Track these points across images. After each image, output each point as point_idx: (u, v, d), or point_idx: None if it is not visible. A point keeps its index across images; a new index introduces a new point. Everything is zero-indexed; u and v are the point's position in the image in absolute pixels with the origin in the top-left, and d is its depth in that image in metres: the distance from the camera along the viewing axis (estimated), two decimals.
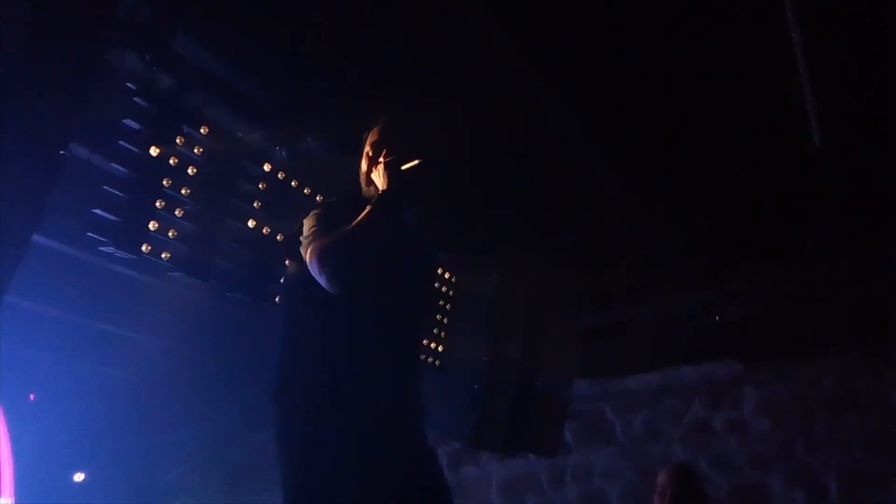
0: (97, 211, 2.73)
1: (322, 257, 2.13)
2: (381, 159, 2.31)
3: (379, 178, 2.29)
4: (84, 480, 5.18)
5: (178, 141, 2.90)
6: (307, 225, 2.28)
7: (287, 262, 2.42)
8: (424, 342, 4.03)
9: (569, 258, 4.70)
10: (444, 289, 4.22)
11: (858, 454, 4.96)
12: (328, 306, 2.19)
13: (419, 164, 2.25)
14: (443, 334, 4.20)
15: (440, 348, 4.21)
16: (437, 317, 4.15)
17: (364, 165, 2.43)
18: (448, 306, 4.22)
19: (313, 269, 2.14)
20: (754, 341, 5.26)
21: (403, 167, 2.27)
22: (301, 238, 2.27)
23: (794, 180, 4.14)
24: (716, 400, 5.58)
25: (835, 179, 4.10)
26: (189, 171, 2.93)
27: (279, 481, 2.15)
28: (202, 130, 2.98)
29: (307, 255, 2.18)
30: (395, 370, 2.30)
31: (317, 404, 2.19)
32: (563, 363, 5.12)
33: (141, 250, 2.78)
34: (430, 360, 4.16)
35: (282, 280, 2.95)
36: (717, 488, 5.24)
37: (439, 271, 4.16)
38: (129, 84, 2.86)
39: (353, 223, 2.18)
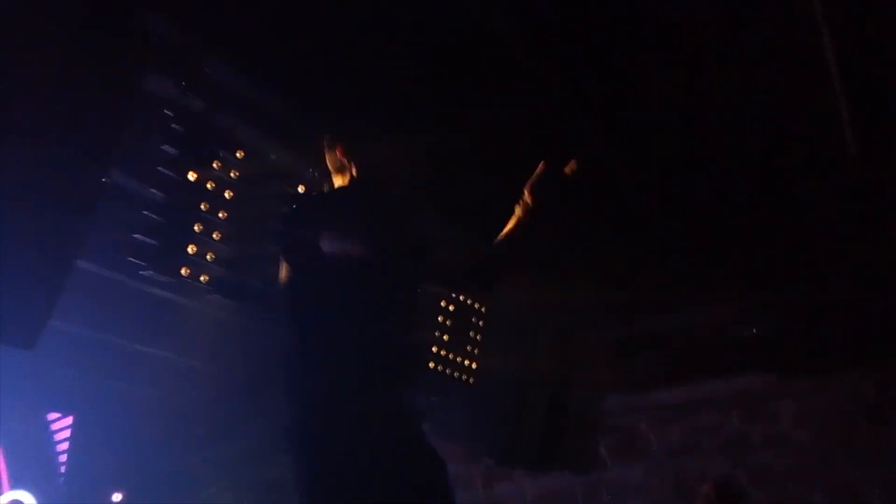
0: (137, 236, 2.77)
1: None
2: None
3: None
4: (122, 500, 5.23)
5: (214, 165, 2.94)
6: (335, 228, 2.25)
7: (286, 268, 2.34)
8: (451, 356, 4.03)
9: (600, 272, 4.67)
10: (476, 306, 4.21)
11: None
12: (338, 312, 2.20)
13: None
14: (476, 351, 4.19)
15: (473, 365, 4.20)
16: (470, 333, 4.15)
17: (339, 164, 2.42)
18: (480, 323, 4.21)
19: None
20: (791, 352, 5.18)
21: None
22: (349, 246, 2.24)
23: (830, 188, 4.08)
24: (753, 412, 5.50)
25: (871, 187, 4.04)
26: (226, 194, 2.96)
27: (295, 493, 2.15)
28: (238, 154, 3.02)
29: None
30: (405, 372, 2.30)
31: (329, 410, 2.18)
32: (597, 377, 5.08)
33: (180, 273, 2.82)
34: (462, 377, 4.16)
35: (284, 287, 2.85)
36: (757, 502, 5.15)
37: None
38: (165, 111, 2.90)
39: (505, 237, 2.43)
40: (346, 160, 2.42)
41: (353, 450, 2.11)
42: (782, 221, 4.40)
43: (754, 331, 5.10)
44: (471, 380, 4.12)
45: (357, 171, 2.33)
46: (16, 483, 4.59)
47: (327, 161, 2.47)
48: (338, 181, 2.42)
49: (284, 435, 2.22)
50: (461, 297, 4.16)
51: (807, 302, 5.01)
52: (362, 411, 2.16)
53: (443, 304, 4.08)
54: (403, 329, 2.34)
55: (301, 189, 3.30)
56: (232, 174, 2.98)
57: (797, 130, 3.72)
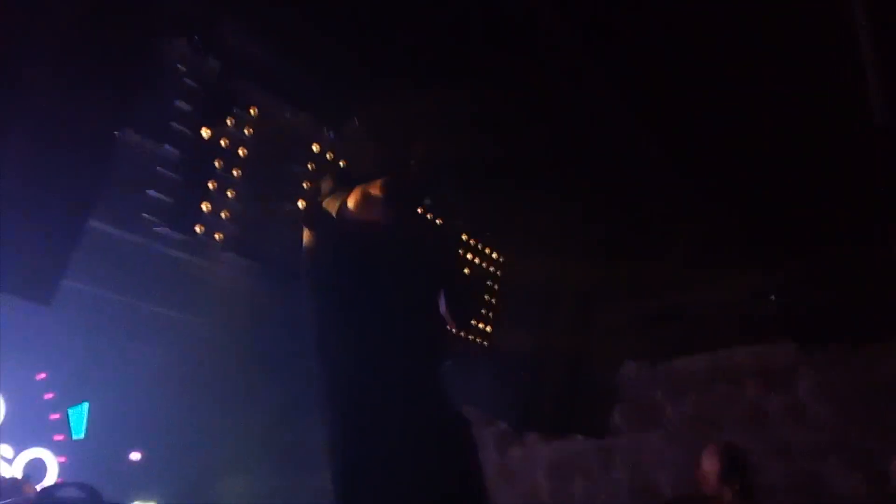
0: (151, 192, 2.77)
1: None
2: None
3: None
4: (140, 460, 5.30)
5: (228, 122, 2.92)
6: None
7: (309, 234, 2.32)
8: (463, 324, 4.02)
9: (620, 244, 4.62)
10: (491, 269, 4.19)
11: None
12: (366, 278, 2.20)
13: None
14: (490, 314, 4.18)
15: (488, 328, 4.19)
16: (486, 297, 4.13)
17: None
18: (496, 286, 4.19)
19: None
20: (810, 324, 5.12)
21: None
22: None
23: (853, 158, 3.99)
24: (770, 384, 5.45)
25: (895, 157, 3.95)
26: (240, 152, 2.95)
27: (327, 453, 2.16)
28: (251, 112, 3.00)
29: None
30: (434, 338, 2.33)
31: (362, 376, 2.19)
32: (613, 347, 5.05)
33: (195, 231, 2.81)
34: (477, 340, 4.15)
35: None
36: (773, 474, 5.12)
37: (484, 249, 4.13)
38: (178, 66, 2.88)
39: None
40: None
41: (384, 412, 2.15)
42: (804, 192, 4.33)
43: (773, 298, 5.03)
44: (485, 342, 4.11)
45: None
46: (35, 439, 4.67)
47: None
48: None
49: (317, 398, 2.23)
50: (477, 259, 4.15)
51: (828, 273, 4.94)
52: (393, 375, 2.19)
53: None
54: (431, 297, 2.34)
55: (315, 148, 3.27)
56: (246, 131, 2.96)
57: (820, 100, 3.63)
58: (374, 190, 2.09)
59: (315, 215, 2.25)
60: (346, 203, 2.13)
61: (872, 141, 3.83)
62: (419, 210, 2.37)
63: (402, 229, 2.18)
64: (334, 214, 2.14)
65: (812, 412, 5.27)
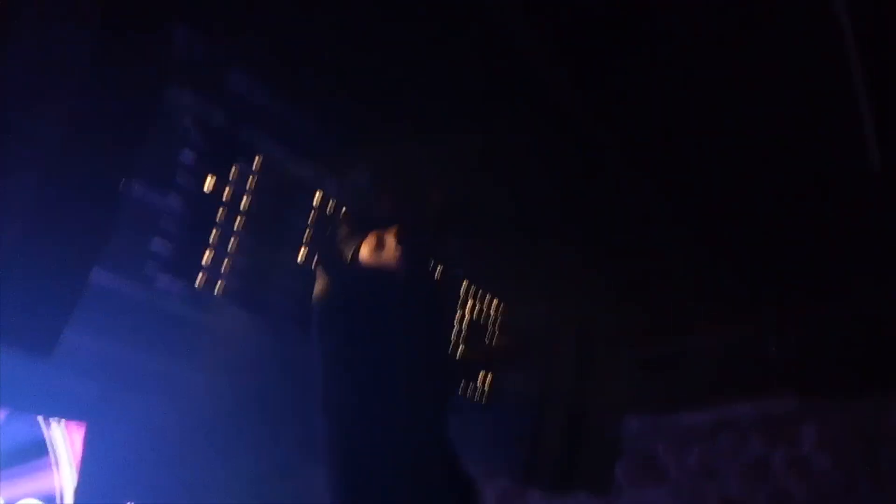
0: (153, 244, 2.78)
1: None
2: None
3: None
4: None
5: (231, 175, 2.95)
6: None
7: (323, 283, 2.34)
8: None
9: (620, 289, 4.62)
10: (491, 318, 4.18)
11: None
12: (376, 328, 2.20)
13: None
14: (490, 365, 4.14)
15: (487, 380, 4.15)
16: (486, 347, 4.11)
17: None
18: (495, 335, 4.17)
19: None
20: (813, 374, 5.09)
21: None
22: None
23: (853, 204, 4.02)
24: (774, 436, 5.39)
25: (894, 203, 3.98)
26: (242, 203, 2.97)
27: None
28: (255, 164, 3.03)
29: None
30: (440, 392, 2.34)
31: (363, 424, 2.18)
32: (615, 397, 5.01)
33: (196, 282, 2.81)
34: (475, 394, 4.11)
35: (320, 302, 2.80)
36: None
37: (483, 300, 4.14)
38: (184, 120, 2.92)
39: None
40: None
41: (387, 466, 2.13)
42: (804, 238, 4.35)
43: (775, 350, 5.01)
44: (483, 398, 4.07)
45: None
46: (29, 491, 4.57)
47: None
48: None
49: (320, 450, 2.21)
50: (475, 310, 4.15)
51: (829, 321, 4.93)
52: (398, 429, 2.17)
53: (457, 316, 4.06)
54: (439, 349, 2.35)
55: (317, 200, 3.29)
56: (248, 183, 2.99)
57: (819, 145, 3.68)
58: (389, 237, 2.12)
59: (328, 260, 2.28)
60: (359, 248, 2.16)
61: (870, 189, 3.88)
62: (430, 258, 2.39)
63: (413, 277, 2.19)
64: (348, 259, 2.17)
65: (815, 463, 5.20)
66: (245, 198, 2.98)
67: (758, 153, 3.73)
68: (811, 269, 4.54)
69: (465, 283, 4.24)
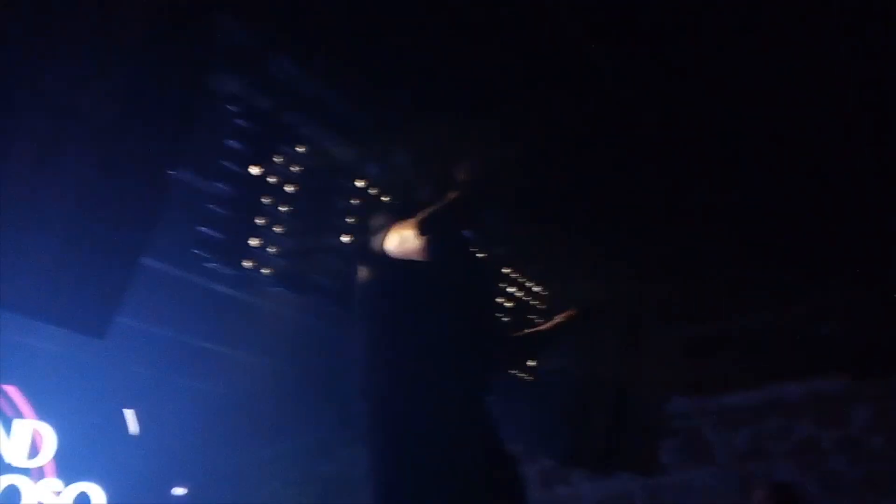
0: (202, 228, 2.82)
1: None
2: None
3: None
4: (184, 495, 5.33)
5: (276, 160, 2.98)
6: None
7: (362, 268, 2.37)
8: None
9: (671, 270, 4.56)
10: (538, 297, 4.17)
11: None
12: (416, 311, 2.23)
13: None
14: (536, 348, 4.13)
15: (532, 361, 4.15)
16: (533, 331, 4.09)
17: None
18: (541, 316, 4.16)
19: None
20: (864, 354, 4.97)
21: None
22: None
23: None
24: (823, 417, 5.29)
25: None
26: (287, 188, 2.99)
27: (370, 484, 2.15)
28: (299, 149, 3.05)
29: None
30: (480, 372, 2.32)
31: (404, 406, 2.19)
32: (661, 378, 4.96)
33: (243, 266, 2.85)
34: (521, 373, 4.11)
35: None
36: None
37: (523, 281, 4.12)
38: (229, 107, 2.95)
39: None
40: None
41: (428, 447, 2.14)
42: (856, 219, 4.24)
43: (827, 331, 4.90)
44: (530, 376, 4.07)
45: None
46: (83, 473, 4.73)
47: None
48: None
49: (361, 431, 2.23)
50: (521, 288, 4.14)
51: (881, 302, 4.81)
52: (438, 409, 2.18)
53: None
54: (482, 330, 2.35)
55: (360, 184, 3.31)
56: (293, 168, 3.01)
57: (867, 127, 3.58)
58: (408, 228, 2.11)
59: (364, 250, 2.30)
60: (386, 240, 2.17)
61: None
62: (460, 242, 2.37)
63: (443, 263, 2.18)
64: (379, 251, 2.18)
65: (867, 444, 5.10)
66: (290, 182, 3.00)
67: (806, 136, 3.65)
68: (861, 247, 4.43)
69: (511, 263, 4.23)
